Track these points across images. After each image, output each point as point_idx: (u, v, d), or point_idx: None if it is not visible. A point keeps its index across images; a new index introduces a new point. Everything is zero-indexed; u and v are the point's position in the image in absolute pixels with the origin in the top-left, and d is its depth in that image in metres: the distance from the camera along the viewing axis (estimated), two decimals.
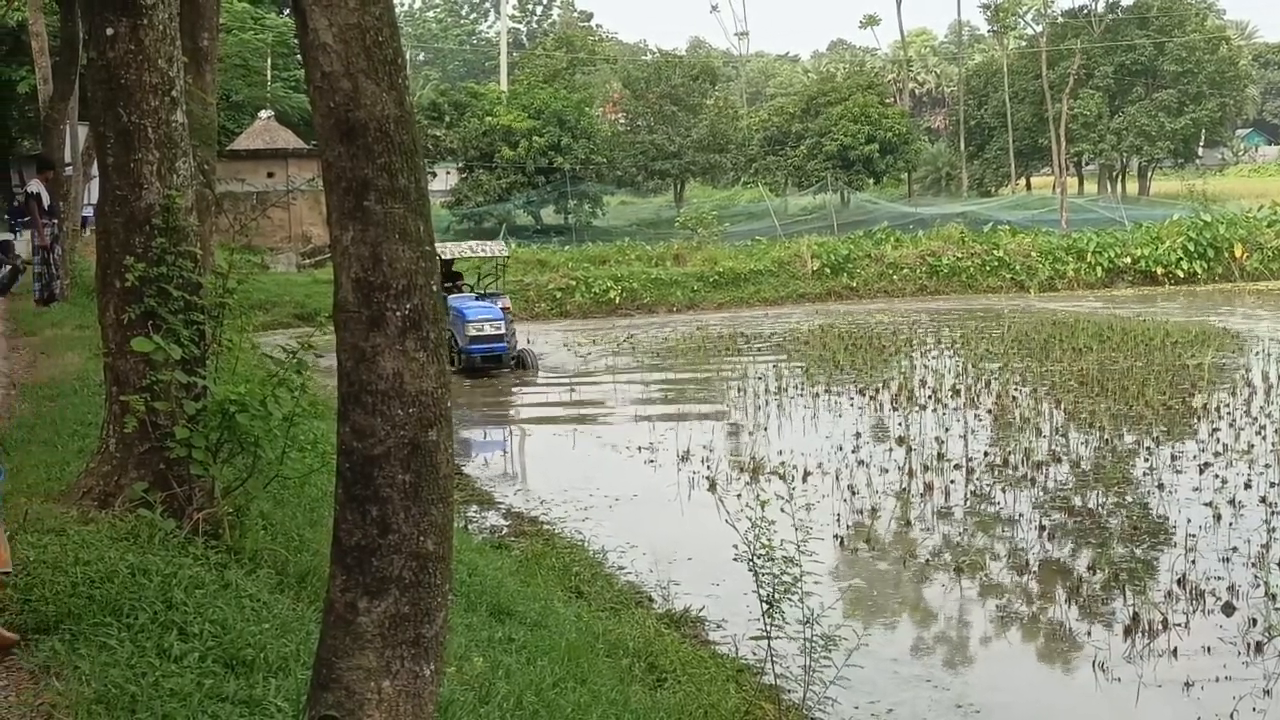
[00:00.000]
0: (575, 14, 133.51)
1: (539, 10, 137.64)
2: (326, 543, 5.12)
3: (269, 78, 52.77)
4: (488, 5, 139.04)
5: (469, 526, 14.16)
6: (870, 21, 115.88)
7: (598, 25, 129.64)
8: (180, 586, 6.56)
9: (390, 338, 4.66)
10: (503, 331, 26.91)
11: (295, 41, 4.75)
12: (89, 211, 26.08)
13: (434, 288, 4.78)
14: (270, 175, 47.23)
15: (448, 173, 70.81)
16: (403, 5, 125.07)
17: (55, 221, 23.70)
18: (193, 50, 11.15)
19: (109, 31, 7.74)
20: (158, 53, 7.79)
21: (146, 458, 7.81)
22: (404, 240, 4.65)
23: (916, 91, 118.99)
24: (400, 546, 4.69)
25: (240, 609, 6.60)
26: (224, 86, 41.50)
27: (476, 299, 27.93)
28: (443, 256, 28.01)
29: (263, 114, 49.92)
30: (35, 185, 23.92)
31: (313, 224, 46.44)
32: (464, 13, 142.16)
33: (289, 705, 5.50)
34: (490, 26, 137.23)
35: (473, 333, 26.50)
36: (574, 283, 41.02)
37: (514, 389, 26.03)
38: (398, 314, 4.66)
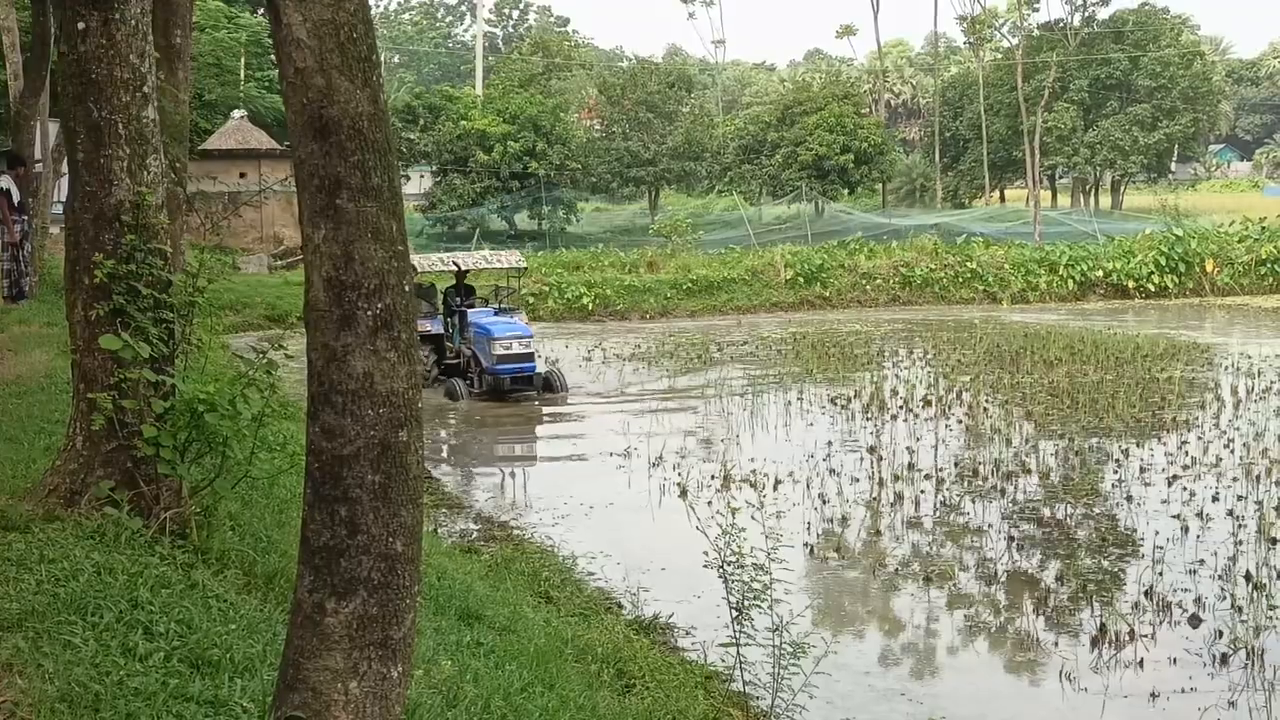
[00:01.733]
0: (552, 19, 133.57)
1: (515, 15, 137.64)
2: (294, 543, 5.09)
3: (242, 77, 52.61)
4: (464, 9, 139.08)
5: (439, 531, 14.11)
6: (847, 31, 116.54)
7: (574, 31, 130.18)
8: (146, 585, 6.51)
9: (361, 337, 4.62)
10: (532, 350, 24.67)
11: (269, 41, 4.68)
12: (59, 209, 25.98)
13: (406, 288, 4.75)
14: (243, 176, 47.09)
15: (421, 176, 70.78)
16: (378, 7, 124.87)
17: (25, 218, 23.55)
18: (165, 47, 11.10)
19: (80, 25, 7.68)
20: (129, 48, 7.74)
21: (113, 456, 7.74)
22: (376, 239, 4.62)
23: (892, 102, 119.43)
24: (369, 547, 4.66)
25: (206, 609, 6.55)
26: (197, 85, 41.32)
27: (495, 313, 26.04)
28: (459, 266, 26.74)
29: (236, 114, 49.79)
30: (5, 181, 23.75)
31: (285, 225, 46.34)
32: (440, 16, 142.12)
33: (255, 706, 5.45)
34: (466, 30, 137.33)
35: (500, 351, 24.09)
36: (547, 288, 41.02)
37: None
38: (369, 313, 4.62)
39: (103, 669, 5.50)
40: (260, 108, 52.67)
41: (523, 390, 24.32)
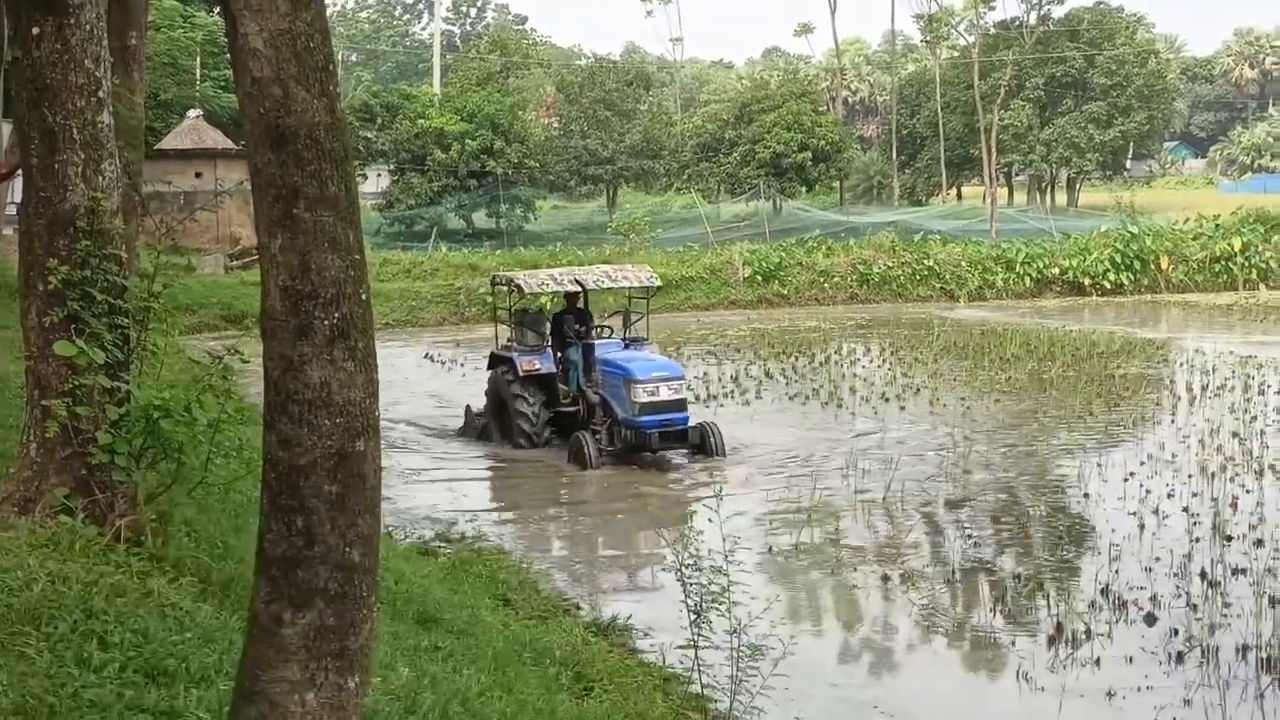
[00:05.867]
0: (509, 17, 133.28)
1: (473, 13, 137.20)
2: (251, 550, 5.06)
3: (198, 76, 52.24)
4: (421, 7, 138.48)
5: (395, 534, 14.05)
6: (805, 29, 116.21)
7: (532, 29, 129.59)
8: (101, 595, 6.46)
9: (318, 347, 4.61)
10: (683, 396, 19.12)
11: (226, 40, 4.68)
12: (13, 212, 25.70)
13: (363, 297, 4.73)
14: (198, 175, 46.67)
15: (379, 175, 70.49)
16: (335, 5, 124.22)
17: None
18: (120, 49, 11.02)
19: (35, 30, 7.61)
20: (84, 53, 7.68)
21: (68, 463, 7.67)
22: (333, 249, 4.61)
23: (850, 100, 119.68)
24: (326, 558, 4.64)
25: (162, 618, 6.50)
26: (152, 85, 40.99)
27: (625, 347, 20.35)
28: (581, 286, 21.17)
29: (191, 113, 49.38)
30: None
31: (241, 225, 45.96)
32: (397, 14, 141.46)
33: (210, 717, 5.42)
34: (424, 28, 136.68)
35: (643, 398, 18.37)
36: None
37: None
38: (326, 323, 4.61)
39: (57, 680, 5.45)
40: (216, 107, 52.29)
41: (673, 448, 18.87)
